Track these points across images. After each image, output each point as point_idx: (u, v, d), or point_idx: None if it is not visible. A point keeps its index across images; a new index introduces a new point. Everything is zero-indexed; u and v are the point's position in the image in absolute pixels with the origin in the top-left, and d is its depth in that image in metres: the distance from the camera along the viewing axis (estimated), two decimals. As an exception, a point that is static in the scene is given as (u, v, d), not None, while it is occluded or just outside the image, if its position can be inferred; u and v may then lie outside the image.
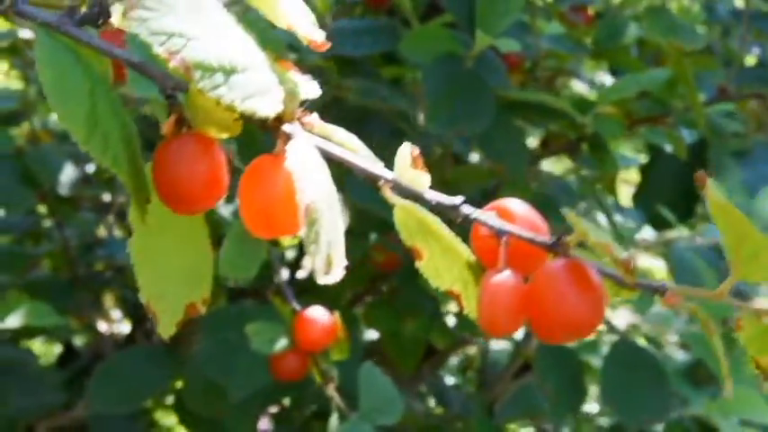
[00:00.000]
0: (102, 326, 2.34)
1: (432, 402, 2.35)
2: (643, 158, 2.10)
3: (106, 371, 1.80)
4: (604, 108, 1.68)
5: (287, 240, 1.47)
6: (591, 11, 2.01)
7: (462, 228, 0.62)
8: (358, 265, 1.83)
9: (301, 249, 2.07)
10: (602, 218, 2.06)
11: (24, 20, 0.60)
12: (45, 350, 2.68)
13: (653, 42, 1.88)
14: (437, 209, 0.60)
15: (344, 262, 0.55)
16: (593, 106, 1.74)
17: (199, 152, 0.58)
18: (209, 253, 0.64)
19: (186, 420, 1.88)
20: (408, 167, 0.59)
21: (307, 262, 2.10)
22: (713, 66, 1.76)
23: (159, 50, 0.52)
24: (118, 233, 2.34)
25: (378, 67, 1.84)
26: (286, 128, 0.57)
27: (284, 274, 1.88)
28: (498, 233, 0.59)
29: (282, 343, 1.44)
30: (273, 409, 2.09)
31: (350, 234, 1.57)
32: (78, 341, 2.50)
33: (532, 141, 2.11)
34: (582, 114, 1.69)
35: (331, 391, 1.46)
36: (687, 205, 1.89)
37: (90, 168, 2.20)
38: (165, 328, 0.64)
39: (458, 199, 0.59)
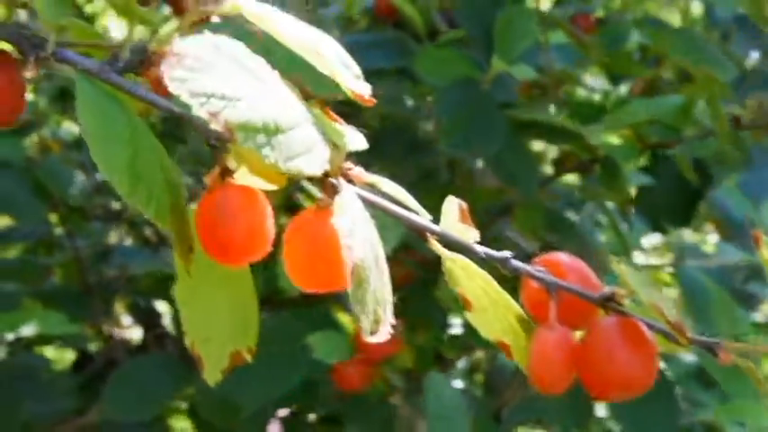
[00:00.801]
0: (115, 332, 2.34)
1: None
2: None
3: (121, 377, 1.81)
4: (616, 132, 1.69)
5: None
6: (593, 18, 2.01)
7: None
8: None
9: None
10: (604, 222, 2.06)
11: (65, 66, 0.60)
12: (58, 356, 2.68)
13: (654, 48, 1.88)
14: (485, 261, 0.59)
15: (392, 320, 0.54)
16: (602, 112, 1.74)
17: (243, 203, 0.57)
18: (254, 301, 0.64)
19: (200, 427, 1.89)
20: (456, 221, 0.58)
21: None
22: (728, 95, 1.76)
23: (200, 112, 0.51)
24: (129, 241, 2.35)
25: (394, 80, 1.84)
26: (333, 180, 0.56)
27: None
28: (549, 287, 0.59)
29: (345, 352, 1.45)
30: (283, 413, 2.09)
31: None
32: (92, 347, 2.50)
33: (549, 158, 2.12)
34: (588, 123, 1.70)
35: (397, 400, 1.46)
36: (688, 208, 1.89)
37: (100, 177, 2.21)
38: (211, 374, 0.64)
39: (507, 253, 0.59)
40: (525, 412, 2.11)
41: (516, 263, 0.59)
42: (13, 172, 1.94)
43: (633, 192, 1.89)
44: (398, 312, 1.72)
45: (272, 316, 1.78)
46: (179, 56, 0.51)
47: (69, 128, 2.53)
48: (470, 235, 0.59)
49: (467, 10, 1.68)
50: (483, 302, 0.61)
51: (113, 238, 2.41)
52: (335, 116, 0.58)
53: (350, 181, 0.57)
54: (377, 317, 0.54)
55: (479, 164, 1.96)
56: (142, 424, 1.91)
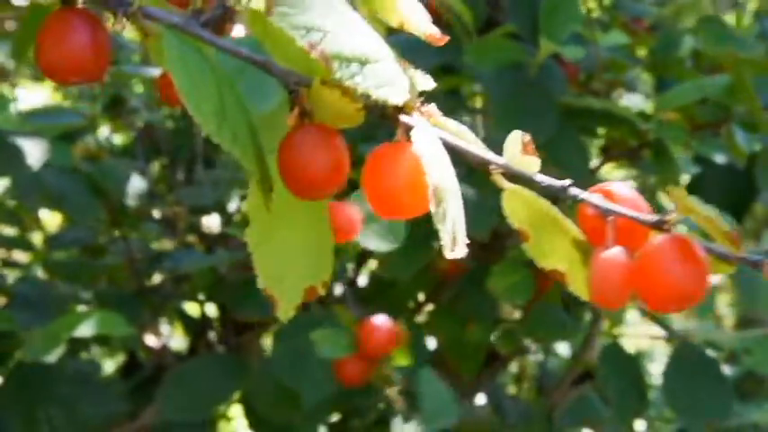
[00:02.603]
0: (162, 338, 2.38)
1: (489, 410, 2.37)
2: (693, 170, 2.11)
3: (176, 378, 1.84)
4: (666, 114, 1.70)
5: (349, 251, 1.51)
6: (646, 23, 2.03)
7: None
8: (422, 273, 1.86)
9: (360, 261, 2.11)
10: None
11: (151, 21, 0.64)
12: (104, 362, 2.72)
13: (708, 54, 1.90)
14: (545, 192, 0.64)
15: (466, 240, 0.59)
16: (653, 117, 1.76)
17: (323, 141, 0.62)
18: (329, 236, 0.69)
19: (256, 426, 1.92)
20: (519, 153, 0.63)
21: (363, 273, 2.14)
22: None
23: (301, 42, 0.57)
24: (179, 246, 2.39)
25: (434, 77, 1.87)
26: (405, 118, 0.61)
27: (341, 285, 1.92)
28: (605, 213, 0.63)
29: (347, 349, 1.49)
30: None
31: (414, 242, 1.61)
32: (140, 354, 2.54)
33: (593, 151, 2.14)
34: (644, 123, 1.72)
35: (394, 395, 1.50)
36: (735, 217, 1.91)
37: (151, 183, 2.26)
38: (285, 311, 0.68)
39: (567, 182, 0.64)
40: (577, 413, 2.14)
41: (575, 190, 0.64)
42: (67, 172, 1.98)
43: (684, 181, 1.91)
44: (449, 307, 1.75)
45: (324, 311, 1.81)
46: None
47: (119, 136, 2.60)
48: (532, 165, 0.63)
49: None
50: (541, 231, 0.65)
51: (164, 244, 2.46)
52: (405, 63, 0.63)
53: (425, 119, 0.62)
54: (455, 237, 0.58)
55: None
56: (196, 425, 1.94)
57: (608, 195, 0.64)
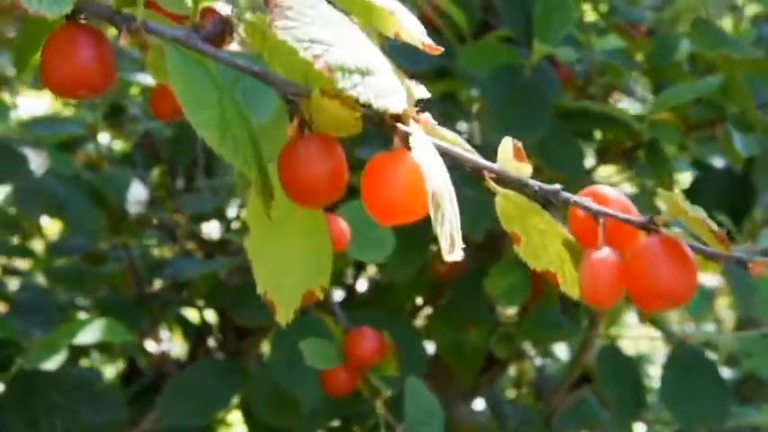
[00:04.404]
0: (162, 345, 2.39)
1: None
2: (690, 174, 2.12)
3: (175, 385, 1.84)
4: (660, 114, 1.71)
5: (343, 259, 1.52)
6: (643, 27, 2.04)
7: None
8: (419, 275, 1.87)
9: (359, 265, 2.12)
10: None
11: (154, 36, 0.66)
12: (104, 369, 2.73)
13: (704, 57, 1.91)
14: (537, 196, 0.66)
15: (462, 244, 0.61)
16: (646, 117, 1.76)
17: (323, 150, 0.65)
18: (328, 243, 0.71)
19: (255, 429, 1.93)
20: (511, 159, 0.65)
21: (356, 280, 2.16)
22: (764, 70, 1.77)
23: (305, 54, 0.59)
24: (180, 253, 2.40)
25: (430, 82, 1.88)
26: (403, 127, 0.63)
27: (335, 292, 1.93)
28: (596, 215, 0.66)
29: (334, 359, 1.50)
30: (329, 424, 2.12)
31: (410, 244, 1.62)
32: (141, 360, 2.55)
33: (587, 153, 2.15)
34: (638, 124, 1.73)
35: (379, 406, 1.51)
36: (734, 221, 1.92)
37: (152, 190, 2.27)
38: (283, 315, 0.70)
39: (557, 185, 0.66)
40: (576, 417, 2.15)
41: (566, 194, 0.66)
42: (68, 179, 1.99)
43: (681, 184, 1.91)
44: (446, 310, 1.75)
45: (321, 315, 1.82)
46: (281, 7, 0.59)
47: (119, 144, 2.61)
48: (525, 171, 0.66)
49: (507, 1, 1.75)
50: (532, 233, 0.68)
51: (164, 251, 2.47)
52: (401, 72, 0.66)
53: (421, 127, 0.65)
54: (453, 240, 0.61)
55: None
56: (196, 430, 1.95)
57: (598, 198, 0.67)
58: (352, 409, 1.90)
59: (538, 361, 2.63)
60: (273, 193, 0.66)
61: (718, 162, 1.99)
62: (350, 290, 2.20)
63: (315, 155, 0.65)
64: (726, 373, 2.67)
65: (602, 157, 1.97)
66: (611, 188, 0.68)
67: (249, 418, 1.95)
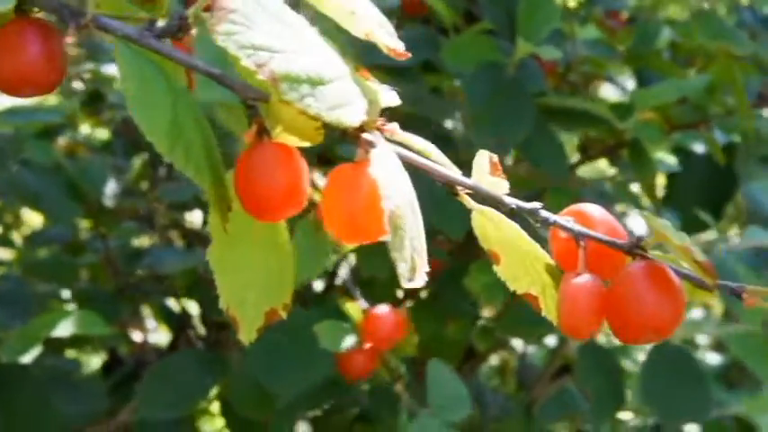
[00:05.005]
0: (142, 335, 2.36)
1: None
2: (672, 161, 2.11)
3: (154, 375, 1.81)
4: (644, 114, 1.69)
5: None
6: (623, 16, 2.01)
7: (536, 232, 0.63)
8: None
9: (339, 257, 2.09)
10: (639, 220, 2.06)
11: (105, 33, 0.61)
12: (84, 359, 2.70)
13: (686, 46, 1.89)
14: (515, 214, 0.61)
15: (427, 267, 0.56)
16: (632, 111, 1.74)
17: (281, 160, 0.59)
18: (290, 258, 0.66)
19: (233, 425, 1.90)
20: (487, 174, 0.60)
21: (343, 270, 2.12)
22: (752, 71, 1.76)
23: (247, 63, 0.54)
24: (159, 243, 2.37)
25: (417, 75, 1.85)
26: (367, 136, 0.58)
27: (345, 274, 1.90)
28: (577, 236, 0.60)
29: (351, 341, 1.45)
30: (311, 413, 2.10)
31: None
32: (121, 350, 2.52)
33: (570, 147, 2.12)
34: (620, 119, 1.70)
35: (399, 388, 1.47)
36: (716, 208, 1.90)
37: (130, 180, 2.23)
38: (246, 334, 0.66)
39: (536, 204, 0.61)
40: (557, 407, 2.13)
41: (545, 213, 0.61)
42: (46, 171, 1.95)
43: (662, 181, 1.90)
44: (427, 304, 1.73)
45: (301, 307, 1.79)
46: (225, 10, 0.54)
47: (99, 132, 2.57)
48: (500, 187, 0.60)
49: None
50: (511, 254, 0.63)
51: (144, 241, 2.43)
52: (367, 74, 0.60)
53: (386, 137, 0.59)
54: (413, 264, 0.55)
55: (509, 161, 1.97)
56: (175, 421, 1.92)
57: (582, 218, 0.61)
58: (333, 400, 1.87)
59: (520, 347, 2.60)
60: (231, 205, 0.61)
61: (699, 148, 1.96)
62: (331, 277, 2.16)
63: (271, 165, 0.59)
64: (713, 358, 2.66)
65: (585, 154, 1.94)
66: (597, 207, 0.62)
67: (227, 410, 1.91)
